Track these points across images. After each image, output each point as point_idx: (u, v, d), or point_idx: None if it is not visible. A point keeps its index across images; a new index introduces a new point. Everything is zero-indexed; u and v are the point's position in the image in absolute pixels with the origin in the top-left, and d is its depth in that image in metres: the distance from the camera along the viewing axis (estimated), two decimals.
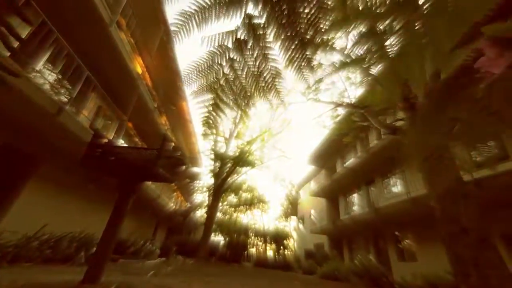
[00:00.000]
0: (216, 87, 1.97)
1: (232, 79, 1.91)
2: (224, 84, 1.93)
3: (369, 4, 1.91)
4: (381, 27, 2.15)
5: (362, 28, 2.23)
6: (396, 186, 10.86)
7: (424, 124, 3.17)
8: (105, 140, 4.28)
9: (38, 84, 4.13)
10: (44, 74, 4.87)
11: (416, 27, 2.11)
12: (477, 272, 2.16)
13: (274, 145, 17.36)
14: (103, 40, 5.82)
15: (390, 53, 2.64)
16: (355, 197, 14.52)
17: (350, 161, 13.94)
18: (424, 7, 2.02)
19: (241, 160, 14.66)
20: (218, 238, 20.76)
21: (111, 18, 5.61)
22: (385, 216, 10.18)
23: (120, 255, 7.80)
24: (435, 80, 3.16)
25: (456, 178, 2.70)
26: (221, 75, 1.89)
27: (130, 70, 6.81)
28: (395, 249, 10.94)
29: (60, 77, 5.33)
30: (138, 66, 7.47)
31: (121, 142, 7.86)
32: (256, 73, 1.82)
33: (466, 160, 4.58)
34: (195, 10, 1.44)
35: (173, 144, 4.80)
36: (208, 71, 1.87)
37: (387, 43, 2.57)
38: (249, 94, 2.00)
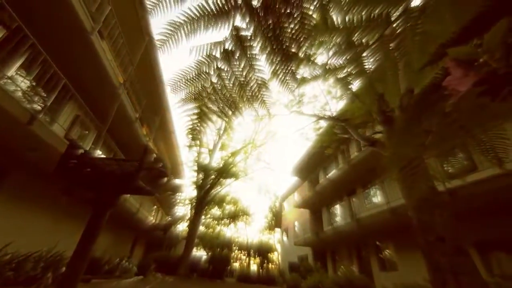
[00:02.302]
0: (203, 95, 1.98)
1: (219, 88, 1.93)
2: (211, 92, 1.95)
3: (347, 20, 2.03)
4: (358, 41, 2.30)
5: (340, 42, 2.37)
6: (376, 197, 11.19)
7: (400, 137, 3.35)
8: (81, 151, 4.07)
9: (8, 91, 3.90)
10: (17, 80, 4.61)
11: (391, 46, 2.28)
12: (453, 279, 2.25)
13: (258, 156, 17.40)
14: (84, 48, 5.67)
15: (367, 69, 2.81)
16: (338, 208, 14.74)
17: (332, 172, 14.24)
18: (397, 28, 2.19)
19: (225, 172, 14.50)
20: (200, 253, 20.03)
21: (93, 26, 5.51)
22: (367, 227, 10.38)
23: (93, 275, 7.26)
24: (408, 95, 3.38)
25: (431, 189, 2.84)
26: (209, 83, 1.91)
27: (111, 79, 6.64)
28: (377, 259, 11.12)
29: (34, 84, 5.07)
30: (120, 75, 7.30)
31: (99, 153, 7.51)
32: (242, 82, 1.85)
33: (440, 171, 4.85)
34: (184, 20, 1.46)
35: (154, 155, 4.66)
36: (196, 79, 1.88)
37: (365, 60, 2.73)
38: (236, 103, 2.03)
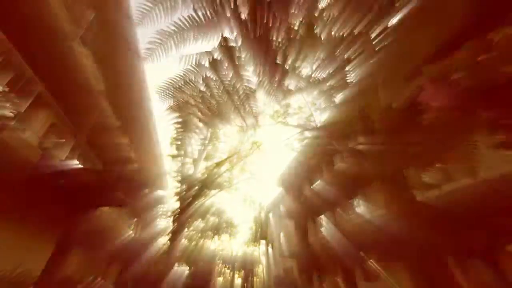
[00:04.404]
0: (192, 103, 1.96)
1: (208, 96, 1.93)
2: (200, 101, 1.93)
3: (330, 34, 2.13)
4: (340, 54, 2.41)
5: (324, 56, 2.47)
6: (360, 207, 11.38)
7: (380, 148, 3.47)
8: (56, 161, 3.84)
9: None
10: None
11: (371, 62, 2.41)
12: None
13: (244, 167, 17.30)
14: (64, 54, 5.47)
15: (349, 83, 2.93)
16: (323, 219, 14.81)
17: (317, 183, 14.39)
18: (376, 46, 2.32)
19: (209, 182, 14.21)
20: (182, 268, 19.19)
21: (75, 32, 5.36)
22: (351, 237, 10.47)
23: None
24: (388, 108, 3.54)
25: (411, 198, 2.94)
26: (197, 92, 1.90)
27: (92, 86, 6.42)
28: (361, 270, 11.17)
29: (7, 90, 4.78)
30: (102, 83, 7.08)
31: (75, 163, 7.13)
32: (230, 91, 1.87)
33: (418, 182, 5.05)
34: (173, 30, 1.46)
35: (135, 166, 4.47)
36: (185, 87, 1.86)
37: (347, 74, 2.85)
38: (224, 111, 2.03)
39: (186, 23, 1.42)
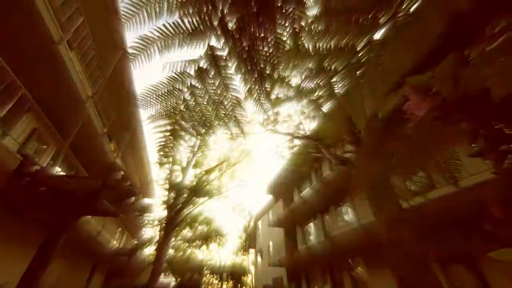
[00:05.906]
0: (176, 112, 1.94)
1: (193, 105, 1.91)
2: (184, 110, 1.91)
3: (317, 46, 2.19)
4: (328, 67, 2.48)
5: (312, 67, 2.53)
6: (348, 214, 11.49)
7: (367, 157, 3.55)
8: (36, 167, 3.68)
9: None
10: None
11: (357, 73, 2.50)
12: None
13: (233, 174, 17.18)
14: (50, 58, 5.33)
15: (336, 92, 3.01)
16: (312, 227, 14.83)
17: (306, 190, 14.46)
18: (361, 58, 2.41)
19: (198, 190, 13.98)
20: (168, 280, 18.56)
21: (62, 36, 5.25)
22: (339, 245, 10.51)
23: None
24: (374, 118, 3.64)
25: (397, 206, 3.00)
26: (182, 100, 1.88)
27: (78, 91, 6.26)
28: (350, 278, 11.19)
29: None
30: (88, 88, 6.93)
31: (58, 170, 6.86)
32: (217, 101, 1.86)
33: (403, 189, 5.18)
34: (157, 36, 1.45)
35: (122, 172, 4.36)
36: (169, 95, 1.84)
37: (334, 85, 2.93)
38: (209, 121, 2.02)
39: (171, 29, 1.42)
